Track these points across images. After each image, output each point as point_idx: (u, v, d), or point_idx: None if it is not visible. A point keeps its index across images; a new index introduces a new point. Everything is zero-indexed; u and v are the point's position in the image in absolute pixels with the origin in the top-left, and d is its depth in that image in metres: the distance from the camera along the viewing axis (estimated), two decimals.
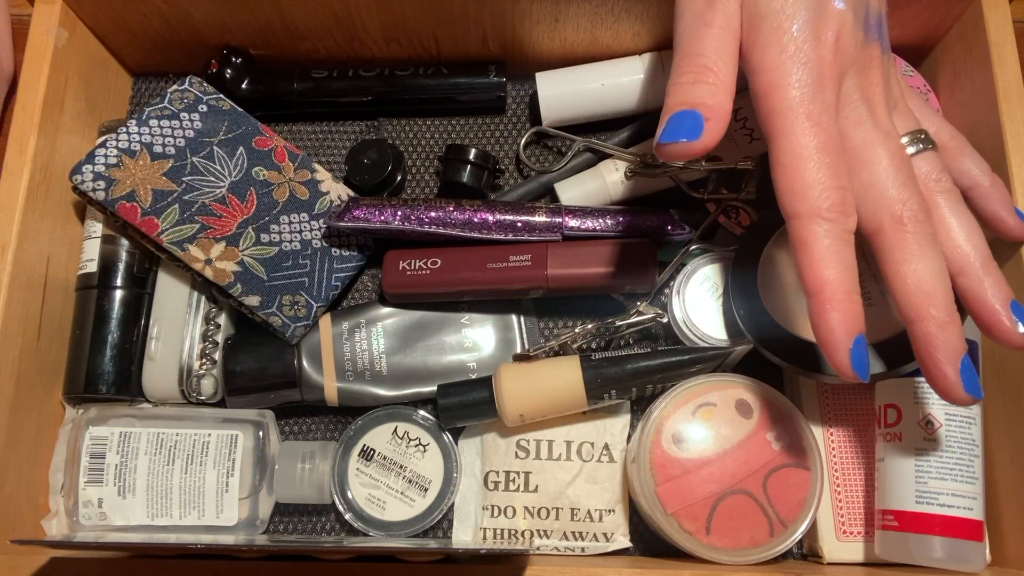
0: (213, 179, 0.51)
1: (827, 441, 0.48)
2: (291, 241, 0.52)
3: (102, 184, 0.48)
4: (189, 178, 0.50)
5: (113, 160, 0.49)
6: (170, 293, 0.52)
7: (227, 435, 0.49)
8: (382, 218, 0.50)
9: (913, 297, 0.36)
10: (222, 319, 0.52)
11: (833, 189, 0.35)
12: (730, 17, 0.37)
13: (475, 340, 0.52)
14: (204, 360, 0.51)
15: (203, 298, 0.52)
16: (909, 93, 0.43)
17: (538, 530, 0.49)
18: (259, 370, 0.50)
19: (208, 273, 0.49)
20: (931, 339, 0.36)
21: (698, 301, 0.50)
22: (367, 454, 0.50)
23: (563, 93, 0.55)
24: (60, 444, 0.50)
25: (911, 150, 0.40)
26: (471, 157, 0.54)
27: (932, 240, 0.37)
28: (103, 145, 0.50)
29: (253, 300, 0.50)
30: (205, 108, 0.52)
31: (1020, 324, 0.38)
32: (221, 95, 0.54)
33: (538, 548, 0.49)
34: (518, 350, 0.52)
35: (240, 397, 0.50)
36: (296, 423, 0.54)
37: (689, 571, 0.43)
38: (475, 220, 0.51)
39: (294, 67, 0.58)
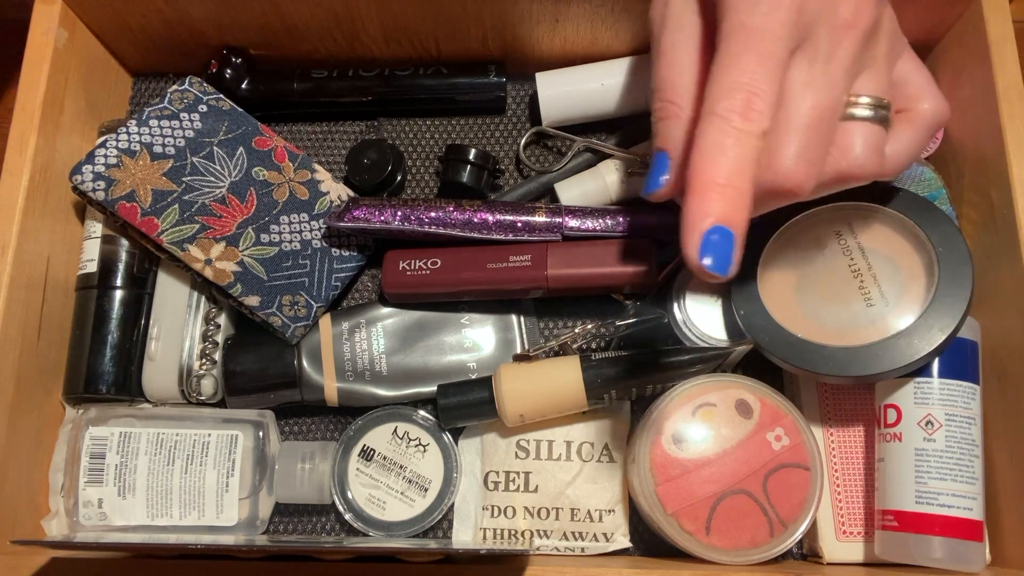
0: (213, 179, 0.51)
1: (827, 441, 0.48)
2: (291, 241, 0.52)
3: (102, 184, 0.48)
4: (189, 178, 0.50)
5: (113, 160, 0.49)
6: (170, 293, 0.52)
7: (227, 435, 0.49)
8: (382, 218, 0.50)
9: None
10: (222, 319, 0.52)
11: (734, 90, 0.34)
12: None
13: (475, 340, 0.52)
14: (204, 360, 0.51)
15: (203, 298, 0.52)
16: (911, 61, 0.42)
17: (538, 530, 0.49)
18: (259, 370, 0.50)
19: (208, 273, 0.49)
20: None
21: (698, 301, 0.50)
22: (367, 454, 0.50)
23: (563, 93, 0.55)
24: (60, 444, 0.50)
25: (862, 113, 0.38)
26: (471, 157, 0.54)
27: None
28: (103, 145, 0.50)
29: (253, 300, 0.50)
30: (205, 108, 0.52)
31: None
32: (221, 95, 0.54)
33: (538, 548, 0.49)
34: (518, 350, 0.52)
35: (240, 397, 0.50)
36: (296, 423, 0.54)
37: (689, 571, 0.43)
38: (475, 220, 0.51)
39: (294, 67, 0.58)
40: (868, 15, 0.37)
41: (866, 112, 0.38)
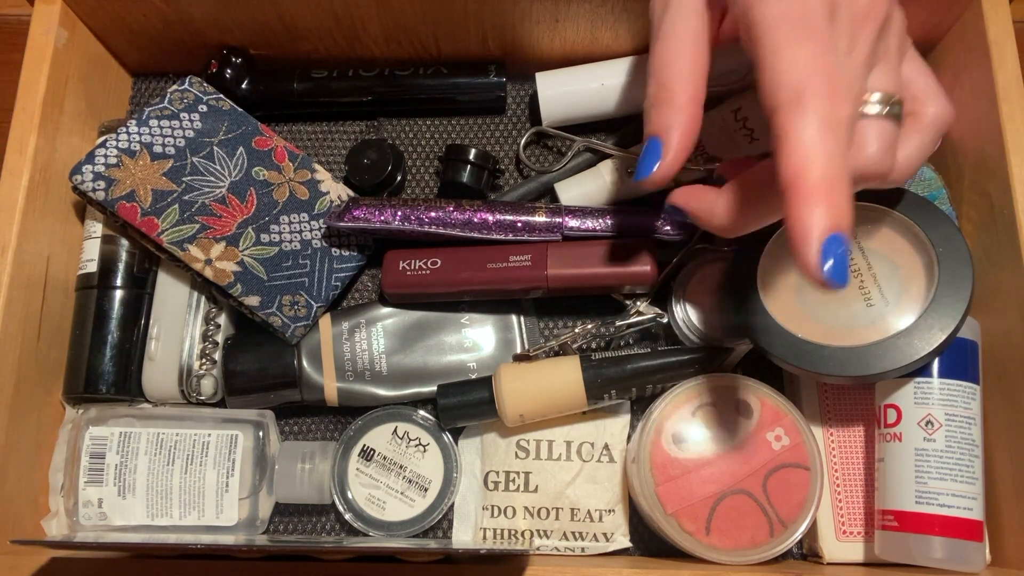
0: (213, 179, 0.51)
1: (827, 441, 0.48)
2: (291, 241, 0.52)
3: (102, 184, 0.48)
4: (189, 178, 0.50)
5: (113, 160, 0.49)
6: (170, 293, 0.52)
7: (227, 435, 0.49)
8: (382, 218, 0.50)
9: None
10: (222, 319, 0.52)
11: (816, 74, 0.33)
12: None
13: (475, 340, 0.52)
14: (204, 360, 0.51)
15: (203, 298, 0.52)
16: (915, 63, 0.41)
17: (538, 530, 0.49)
18: (259, 370, 0.50)
19: (208, 273, 0.49)
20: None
21: (698, 301, 0.50)
22: (367, 454, 0.50)
23: (563, 93, 0.55)
24: (60, 444, 0.50)
25: (874, 109, 0.36)
26: (471, 157, 0.54)
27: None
28: (103, 145, 0.50)
29: (253, 300, 0.50)
30: (205, 108, 0.52)
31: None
32: (221, 95, 0.54)
33: (538, 548, 0.49)
34: (518, 350, 0.52)
35: (240, 397, 0.50)
36: (296, 423, 0.54)
37: (689, 571, 0.43)
38: (475, 220, 0.51)
39: (294, 67, 0.58)
40: (883, 6, 0.36)
41: (879, 108, 0.36)
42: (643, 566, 0.46)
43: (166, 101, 0.52)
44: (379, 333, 0.52)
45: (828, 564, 0.47)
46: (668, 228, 0.50)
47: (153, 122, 0.51)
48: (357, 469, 0.50)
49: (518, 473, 0.50)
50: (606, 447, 0.50)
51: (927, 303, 0.43)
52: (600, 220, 0.51)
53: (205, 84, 0.54)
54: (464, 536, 0.50)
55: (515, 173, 0.58)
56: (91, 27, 0.55)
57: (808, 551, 0.49)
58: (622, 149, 0.54)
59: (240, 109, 0.54)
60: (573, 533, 0.49)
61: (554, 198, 0.55)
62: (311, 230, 0.52)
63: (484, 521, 0.50)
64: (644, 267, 0.49)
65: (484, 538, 0.50)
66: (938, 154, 0.53)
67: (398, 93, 0.57)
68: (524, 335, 0.53)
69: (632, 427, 0.51)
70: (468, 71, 0.57)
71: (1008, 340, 0.46)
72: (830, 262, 0.31)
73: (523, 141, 0.57)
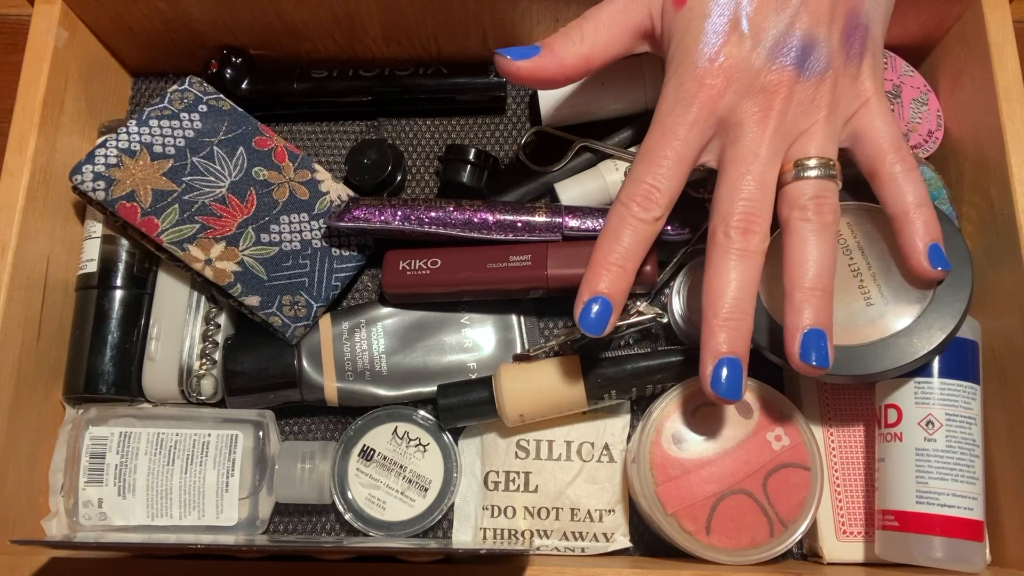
0: (213, 179, 0.51)
1: (827, 441, 0.48)
2: (291, 241, 0.52)
3: (102, 184, 0.48)
4: (189, 178, 0.50)
5: (113, 160, 0.49)
6: (170, 293, 0.52)
7: (227, 435, 0.49)
8: (382, 218, 0.50)
9: (706, 303, 0.40)
10: (222, 319, 0.52)
11: (638, 182, 0.41)
12: None
13: (475, 340, 0.52)
14: (204, 360, 0.51)
15: (203, 298, 0.52)
16: (879, 118, 0.42)
17: (538, 530, 0.49)
18: (259, 370, 0.50)
19: (208, 273, 0.49)
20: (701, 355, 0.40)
21: (698, 301, 0.50)
22: (367, 454, 0.50)
23: (563, 93, 0.55)
24: (60, 444, 0.50)
25: (792, 174, 0.41)
26: (471, 157, 0.54)
27: (741, 257, 0.39)
28: (103, 145, 0.50)
29: (253, 300, 0.50)
30: (205, 108, 0.52)
31: (814, 358, 0.40)
32: (221, 95, 0.54)
33: (538, 548, 0.49)
34: (518, 350, 0.52)
35: (240, 397, 0.50)
36: (296, 423, 0.54)
37: (689, 571, 0.43)
38: (475, 220, 0.51)
39: (294, 67, 0.58)
40: (782, 98, 0.40)
41: (793, 172, 0.41)
42: (643, 566, 0.46)
43: (166, 101, 0.52)
44: (379, 333, 0.52)
45: (828, 564, 0.47)
46: (668, 228, 0.50)
47: (153, 122, 0.51)
48: (357, 469, 0.50)
49: (518, 473, 0.50)
50: (606, 447, 0.50)
51: (927, 303, 0.43)
52: (600, 220, 0.51)
53: (205, 84, 0.54)
54: (464, 536, 0.50)
55: (515, 173, 0.58)
56: (91, 27, 0.55)
57: (808, 551, 0.49)
58: (622, 149, 0.54)
59: (240, 109, 0.54)
60: (573, 533, 0.49)
61: (554, 198, 0.55)
62: (311, 230, 0.52)
63: (484, 521, 0.50)
64: (644, 267, 0.49)
65: (484, 538, 0.50)
66: (938, 154, 0.54)
67: (398, 93, 0.57)
68: (524, 335, 0.53)
69: (632, 427, 0.51)
70: (468, 71, 0.57)
71: (1008, 340, 0.46)
72: (588, 324, 0.41)
73: (523, 141, 0.57)
